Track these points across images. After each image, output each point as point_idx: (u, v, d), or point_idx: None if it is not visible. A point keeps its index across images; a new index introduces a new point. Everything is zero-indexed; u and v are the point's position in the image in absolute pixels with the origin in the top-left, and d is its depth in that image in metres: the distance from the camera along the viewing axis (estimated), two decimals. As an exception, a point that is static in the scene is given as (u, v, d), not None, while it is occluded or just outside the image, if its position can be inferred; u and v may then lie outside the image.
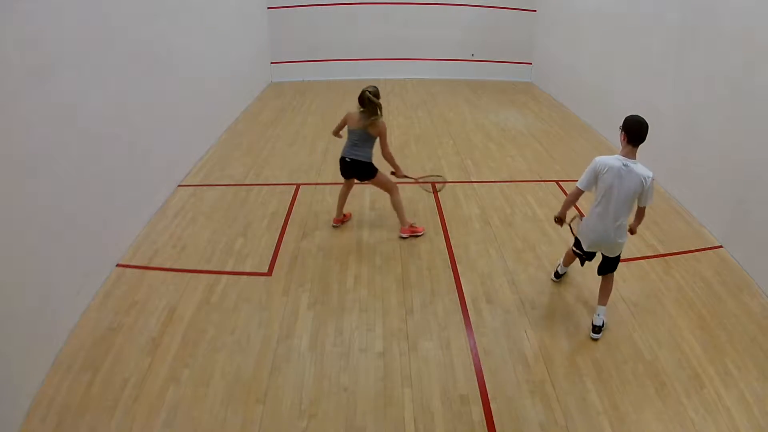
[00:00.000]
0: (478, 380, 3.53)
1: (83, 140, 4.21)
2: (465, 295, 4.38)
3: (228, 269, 4.71)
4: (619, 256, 3.90)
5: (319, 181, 6.50)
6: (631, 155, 3.51)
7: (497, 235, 5.32)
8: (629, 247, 5.07)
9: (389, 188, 5.12)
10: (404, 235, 5.20)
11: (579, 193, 3.75)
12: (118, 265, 4.69)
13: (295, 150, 7.56)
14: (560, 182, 6.55)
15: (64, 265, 3.90)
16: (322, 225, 5.46)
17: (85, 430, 3.14)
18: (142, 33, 5.37)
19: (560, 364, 3.68)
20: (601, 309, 3.95)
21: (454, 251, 5.00)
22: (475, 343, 3.86)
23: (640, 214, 3.77)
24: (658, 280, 4.65)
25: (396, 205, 5.15)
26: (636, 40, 7.16)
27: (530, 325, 4.06)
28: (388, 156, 4.95)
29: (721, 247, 5.18)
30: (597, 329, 3.90)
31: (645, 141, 3.48)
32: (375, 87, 4.81)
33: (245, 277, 4.61)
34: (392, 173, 5.09)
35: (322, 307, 4.22)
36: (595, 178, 3.62)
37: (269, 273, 4.66)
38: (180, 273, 4.62)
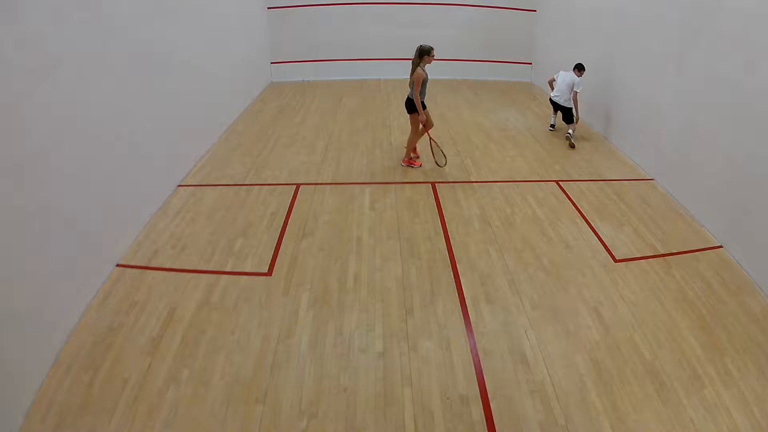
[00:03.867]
0: (478, 380, 3.53)
1: (83, 140, 4.21)
2: (465, 295, 4.38)
3: (228, 269, 4.71)
4: (570, 113, 7.83)
5: (319, 181, 6.50)
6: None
7: (497, 235, 5.32)
8: (629, 246, 5.13)
9: (415, 128, 6.79)
10: (403, 164, 6.92)
11: (553, 79, 8.18)
12: (118, 265, 4.69)
13: (295, 150, 7.55)
14: (560, 182, 6.55)
15: (64, 265, 3.90)
16: (322, 225, 5.46)
17: (85, 430, 3.14)
18: (142, 33, 5.37)
19: (560, 364, 3.68)
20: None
21: (454, 251, 5.00)
22: (475, 343, 3.87)
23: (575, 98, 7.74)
24: (658, 280, 4.65)
25: (410, 142, 6.87)
26: (636, 39, 7.16)
27: (530, 325, 4.06)
28: (415, 98, 6.51)
29: (721, 247, 5.18)
30: (551, 126, 8.43)
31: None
32: (429, 45, 6.47)
33: (245, 277, 4.61)
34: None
35: (322, 307, 4.23)
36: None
37: (269, 273, 4.66)
38: (180, 273, 4.63)
